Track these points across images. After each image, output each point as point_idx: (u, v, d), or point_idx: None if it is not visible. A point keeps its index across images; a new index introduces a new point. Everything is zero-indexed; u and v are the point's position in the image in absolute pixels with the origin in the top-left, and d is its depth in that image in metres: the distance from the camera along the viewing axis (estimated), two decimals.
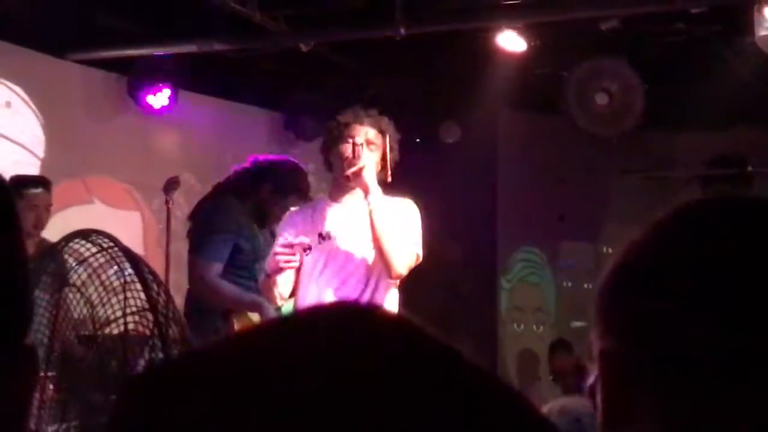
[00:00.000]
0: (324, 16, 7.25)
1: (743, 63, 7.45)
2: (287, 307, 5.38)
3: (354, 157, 4.26)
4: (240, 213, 5.25)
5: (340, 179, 4.37)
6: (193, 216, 5.43)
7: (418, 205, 4.44)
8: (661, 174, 9.55)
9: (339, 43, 7.77)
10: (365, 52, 8.07)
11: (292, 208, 4.72)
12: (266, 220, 5.29)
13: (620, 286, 0.99)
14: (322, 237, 4.32)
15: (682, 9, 6.91)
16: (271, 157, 5.60)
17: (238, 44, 7.37)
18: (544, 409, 3.52)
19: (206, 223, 5.25)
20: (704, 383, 0.92)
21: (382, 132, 4.36)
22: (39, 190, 5.58)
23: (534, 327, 9.73)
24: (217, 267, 5.11)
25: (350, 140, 4.28)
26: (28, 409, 0.90)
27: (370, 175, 4.25)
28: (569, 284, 9.72)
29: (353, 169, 4.24)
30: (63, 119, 7.33)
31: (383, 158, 4.36)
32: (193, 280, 5.22)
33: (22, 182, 5.52)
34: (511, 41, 7.41)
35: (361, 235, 4.28)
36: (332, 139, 4.36)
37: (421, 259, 4.32)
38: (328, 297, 4.21)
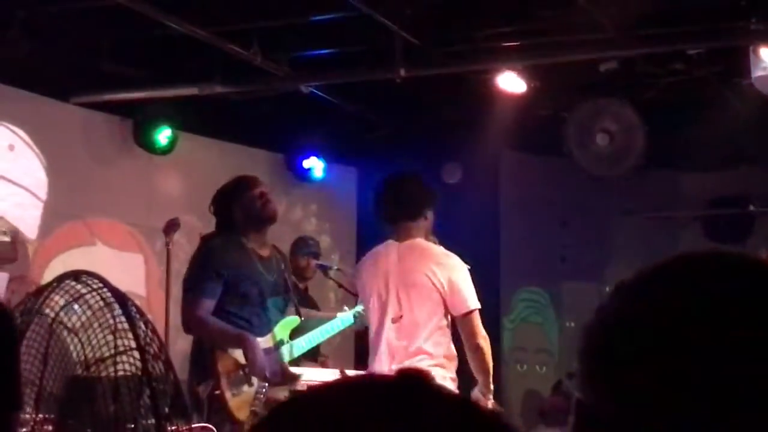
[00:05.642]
0: (325, 58, 7.32)
1: (743, 103, 7.48)
2: (346, 318, 5.60)
3: None
4: (237, 251, 5.23)
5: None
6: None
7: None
8: (662, 214, 9.55)
9: (340, 85, 7.82)
10: (367, 95, 8.12)
11: None
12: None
13: (607, 347, 0.98)
14: None
15: (679, 50, 6.96)
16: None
17: (240, 87, 7.42)
18: None
19: (197, 260, 5.24)
20: None
21: None
22: None
23: (537, 367, 9.68)
24: (207, 304, 5.09)
25: None
26: None
27: None
28: (572, 324, 9.69)
29: None
30: (66, 162, 7.37)
31: None
32: (182, 317, 5.19)
33: None
34: (511, 83, 7.46)
35: None
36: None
37: None
38: None
